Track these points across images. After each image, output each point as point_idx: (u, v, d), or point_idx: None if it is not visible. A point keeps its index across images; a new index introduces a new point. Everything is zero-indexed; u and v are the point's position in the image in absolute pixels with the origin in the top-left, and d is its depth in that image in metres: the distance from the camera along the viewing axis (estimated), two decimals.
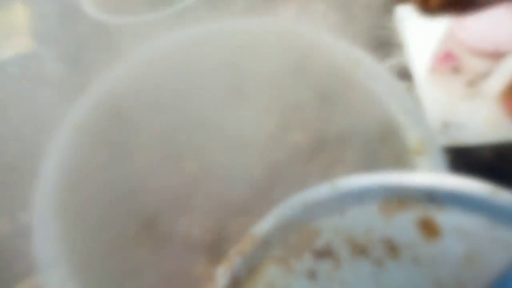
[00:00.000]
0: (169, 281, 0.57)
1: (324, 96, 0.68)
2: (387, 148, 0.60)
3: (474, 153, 0.79)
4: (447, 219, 0.38)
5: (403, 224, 0.38)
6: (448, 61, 0.80)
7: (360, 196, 0.40)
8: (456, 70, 0.79)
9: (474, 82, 0.81)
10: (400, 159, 0.56)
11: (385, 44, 0.94)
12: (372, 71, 0.61)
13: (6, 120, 1.53)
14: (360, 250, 0.37)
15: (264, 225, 0.39)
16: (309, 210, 0.39)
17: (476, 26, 0.74)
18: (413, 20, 0.97)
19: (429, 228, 0.38)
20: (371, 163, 0.62)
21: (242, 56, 0.66)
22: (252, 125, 0.64)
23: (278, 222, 0.39)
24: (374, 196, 0.40)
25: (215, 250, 0.59)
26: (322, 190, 0.40)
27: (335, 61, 0.63)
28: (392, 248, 0.37)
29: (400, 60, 0.91)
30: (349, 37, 1.01)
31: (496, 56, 0.74)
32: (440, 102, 0.85)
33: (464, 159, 0.80)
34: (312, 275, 0.36)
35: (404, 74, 0.89)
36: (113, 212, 0.60)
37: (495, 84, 0.83)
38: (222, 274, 0.36)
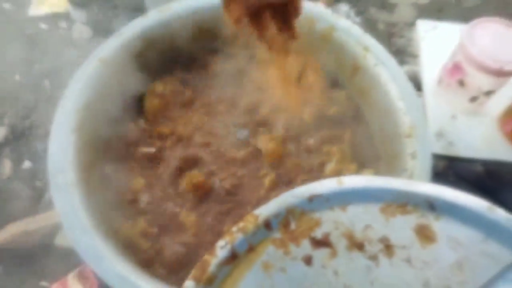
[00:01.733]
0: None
1: (333, 78, 0.68)
2: (383, 130, 0.60)
3: (465, 164, 0.78)
4: (443, 228, 0.37)
5: (401, 227, 0.37)
6: (455, 73, 0.78)
7: (364, 195, 0.39)
8: (462, 84, 0.78)
9: (477, 98, 0.79)
10: (392, 140, 0.56)
11: (401, 51, 0.92)
12: (381, 57, 0.61)
13: (29, 72, 1.52)
14: (357, 244, 0.36)
15: (269, 208, 0.38)
16: (313, 201, 0.38)
17: (485, 43, 0.73)
18: (432, 32, 0.95)
19: (425, 234, 0.37)
20: (365, 144, 0.62)
21: None
22: None
23: (282, 207, 0.38)
24: (378, 197, 0.39)
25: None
26: (328, 184, 0.39)
27: (348, 44, 0.63)
28: (388, 247, 0.36)
29: (413, 69, 0.89)
30: None
31: (501, 75, 0.72)
32: (442, 112, 0.84)
33: (454, 168, 0.80)
34: (308, 261, 0.36)
35: (414, 82, 0.87)
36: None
37: (496, 104, 0.81)
38: (222, 247, 0.36)
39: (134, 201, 0.58)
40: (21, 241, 1.17)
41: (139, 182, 0.59)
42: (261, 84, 0.67)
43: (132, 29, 0.63)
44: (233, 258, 0.36)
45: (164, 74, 0.67)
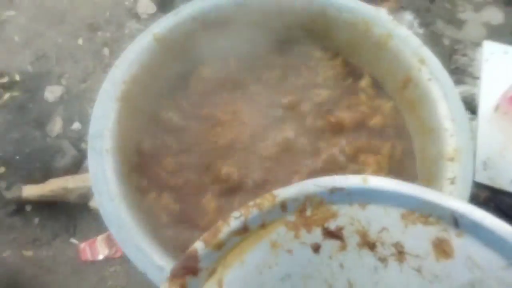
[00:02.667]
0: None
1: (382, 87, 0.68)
2: (425, 149, 0.58)
3: (509, 200, 0.75)
4: (464, 246, 0.36)
5: (419, 236, 0.37)
6: None
7: (387, 198, 0.39)
8: None
9: None
10: (433, 161, 0.54)
11: (461, 70, 0.89)
12: (436, 72, 0.59)
13: (92, 38, 1.62)
14: (369, 244, 0.36)
15: (288, 191, 0.39)
16: (334, 193, 0.39)
17: None
18: (499, 56, 0.91)
19: (442, 248, 0.36)
20: (405, 161, 0.61)
21: None
22: None
23: (302, 193, 0.39)
24: (401, 203, 0.39)
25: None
26: (352, 179, 0.39)
27: (403, 54, 0.62)
28: (401, 253, 0.36)
29: (471, 90, 0.86)
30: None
31: None
32: (494, 141, 0.81)
33: (497, 201, 0.76)
34: (316, 248, 0.36)
35: (470, 105, 0.85)
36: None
37: None
38: (236, 217, 0.37)
39: (162, 176, 0.60)
40: (60, 197, 1.26)
41: (169, 161, 0.61)
42: (307, 81, 0.68)
43: (189, 9, 0.65)
44: (245, 230, 0.37)
45: (213, 58, 0.69)
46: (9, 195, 1.28)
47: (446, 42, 0.89)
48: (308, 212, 0.38)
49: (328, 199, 0.39)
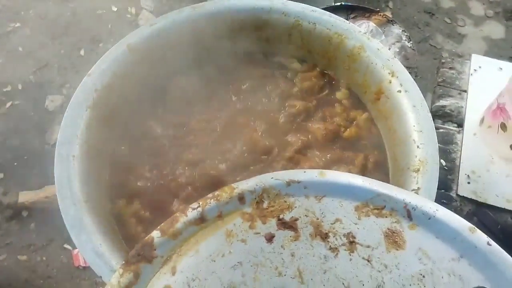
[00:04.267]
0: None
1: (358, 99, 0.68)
2: (396, 161, 0.58)
3: (492, 214, 0.74)
4: (416, 238, 0.37)
5: (371, 228, 0.37)
6: (498, 116, 0.74)
7: (343, 191, 0.39)
8: (504, 127, 0.74)
9: None
10: (401, 172, 0.54)
11: (448, 83, 0.90)
12: (406, 84, 0.60)
13: (93, 49, 1.65)
14: (321, 234, 0.37)
15: (247, 183, 0.40)
16: (291, 186, 0.40)
17: None
18: (485, 69, 0.91)
19: (394, 240, 0.37)
20: (377, 172, 0.61)
21: None
22: None
23: (259, 185, 0.39)
24: (356, 196, 0.39)
25: None
26: (309, 173, 0.40)
27: (375, 66, 0.63)
28: (352, 243, 0.36)
29: (456, 104, 0.86)
30: (414, 63, 0.97)
31: None
32: (479, 154, 0.80)
33: (480, 215, 0.75)
34: (269, 238, 0.37)
35: (455, 118, 0.84)
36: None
37: None
38: (193, 208, 0.38)
39: (134, 183, 0.60)
40: (55, 203, 1.27)
41: (142, 168, 0.61)
42: (283, 92, 0.68)
43: (164, 21, 0.65)
44: (201, 220, 0.38)
45: (189, 69, 0.69)
46: (6, 200, 1.30)
47: (446, 54, 0.90)
48: (265, 204, 0.39)
49: (285, 192, 0.39)
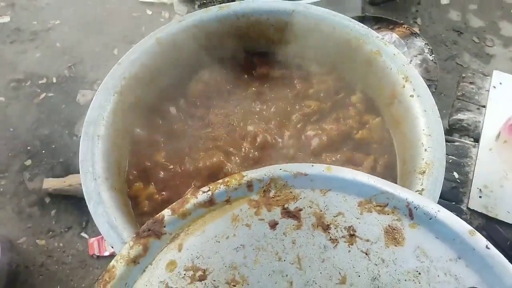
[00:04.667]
0: None
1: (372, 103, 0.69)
2: (405, 164, 0.58)
3: (502, 229, 0.73)
4: (415, 236, 0.38)
5: (372, 223, 0.38)
6: None
7: (347, 187, 0.41)
8: None
9: None
10: (408, 175, 0.55)
11: (467, 97, 0.89)
12: (419, 89, 0.60)
13: (126, 48, 1.72)
14: (323, 225, 0.38)
15: (256, 173, 0.41)
16: (298, 178, 0.41)
17: None
18: (505, 86, 0.91)
19: (394, 236, 0.38)
20: (386, 175, 0.61)
21: None
22: None
23: (268, 175, 0.41)
24: (360, 192, 0.40)
25: None
26: (316, 167, 0.41)
27: (390, 71, 0.64)
28: (352, 236, 0.37)
29: (474, 118, 0.86)
30: (435, 76, 0.97)
31: None
32: (493, 169, 0.80)
33: (489, 230, 0.74)
34: (273, 225, 0.38)
35: (472, 132, 0.84)
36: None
37: None
38: (204, 191, 0.40)
39: (151, 168, 0.62)
40: (77, 192, 1.32)
41: (160, 155, 0.64)
42: (300, 92, 0.70)
43: (192, 18, 0.69)
44: (210, 203, 0.40)
45: (212, 65, 0.72)
46: (31, 186, 1.36)
47: (470, 74, 0.89)
48: (272, 193, 0.41)
49: (292, 183, 0.41)
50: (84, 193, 0.51)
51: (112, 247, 0.47)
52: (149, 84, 0.66)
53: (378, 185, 0.40)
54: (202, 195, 0.40)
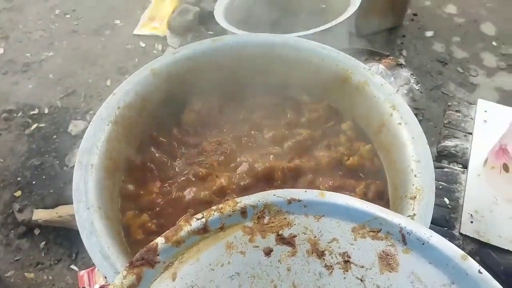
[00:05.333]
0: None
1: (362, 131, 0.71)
2: (396, 190, 0.59)
3: (495, 254, 0.73)
4: (409, 262, 0.38)
5: (366, 249, 0.38)
6: (501, 157, 0.76)
7: (341, 212, 0.41)
8: (506, 169, 0.75)
9: None
10: (400, 201, 0.55)
11: (454, 125, 0.92)
12: (406, 117, 0.61)
13: (119, 79, 1.73)
14: (318, 252, 0.38)
15: (250, 198, 0.41)
16: (292, 204, 0.41)
17: None
18: (490, 113, 0.93)
19: (388, 262, 0.37)
20: (377, 201, 0.61)
21: None
22: None
23: (262, 201, 0.41)
24: (353, 217, 0.41)
25: None
26: (310, 193, 0.42)
27: (378, 100, 0.65)
28: (347, 262, 0.37)
29: (461, 145, 0.88)
30: (421, 104, 0.99)
31: None
32: (483, 194, 0.81)
33: (482, 255, 0.74)
34: (267, 252, 0.38)
35: (460, 158, 0.86)
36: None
37: None
38: (198, 218, 0.40)
39: (143, 197, 0.62)
40: (67, 223, 1.30)
41: (153, 185, 0.63)
42: (291, 121, 0.72)
43: (185, 50, 0.71)
44: (204, 231, 0.40)
45: (205, 95, 0.73)
46: (20, 217, 1.33)
47: (455, 103, 0.92)
48: (266, 220, 0.41)
49: (286, 209, 0.41)
50: (77, 223, 0.51)
51: (106, 277, 0.46)
52: (142, 113, 0.67)
53: (371, 210, 0.40)
54: (196, 222, 0.40)
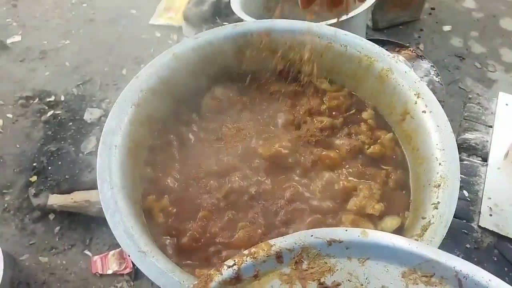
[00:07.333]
0: None
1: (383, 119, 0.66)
2: (419, 179, 0.55)
3: None
4: None
5: None
6: None
7: (388, 254, 0.34)
8: None
9: None
10: (423, 189, 0.52)
11: (474, 118, 0.86)
12: (431, 105, 0.57)
13: (135, 69, 1.66)
14: None
15: (285, 241, 0.34)
16: (332, 245, 0.34)
17: None
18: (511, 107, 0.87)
19: None
20: (399, 190, 0.58)
21: None
22: None
23: (298, 244, 0.34)
24: (402, 260, 0.33)
25: None
26: (351, 232, 0.35)
27: (402, 87, 0.61)
28: None
29: (481, 138, 0.83)
30: (441, 97, 0.93)
31: None
32: (503, 188, 0.75)
33: (501, 248, 0.69)
34: None
35: (480, 151, 0.81)
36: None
37: None
38: (229, 266, 0.33)
39: (164, 180, 0.60)
40: (81, 208, 1.25)
41: (175, 167, 0.61)
42: (313, 110, 0.67)
43: (207, 35, 0.67)
44: (237, 280, 0.33)
45: (226, 81, 0.71)
46: (36, 202, 1.28)
47: (473, 97, 0.87)
48: (305, 265, 0.34)
49: (326, 252, 0.34)
50: (101, 202, 0.49)
51: (129, 256, 0.45)
52: (165, 97, 0.64)
53: (421, 252, 0.33)
54: (227, 271, 0.33)
